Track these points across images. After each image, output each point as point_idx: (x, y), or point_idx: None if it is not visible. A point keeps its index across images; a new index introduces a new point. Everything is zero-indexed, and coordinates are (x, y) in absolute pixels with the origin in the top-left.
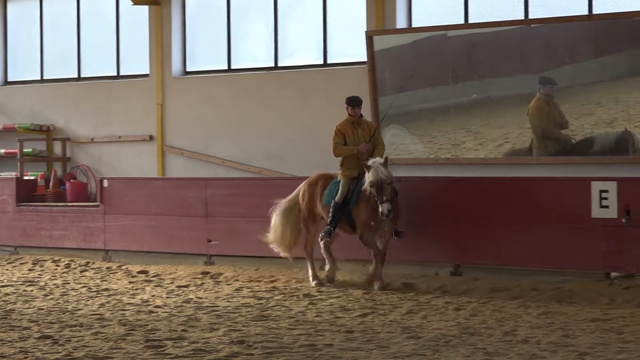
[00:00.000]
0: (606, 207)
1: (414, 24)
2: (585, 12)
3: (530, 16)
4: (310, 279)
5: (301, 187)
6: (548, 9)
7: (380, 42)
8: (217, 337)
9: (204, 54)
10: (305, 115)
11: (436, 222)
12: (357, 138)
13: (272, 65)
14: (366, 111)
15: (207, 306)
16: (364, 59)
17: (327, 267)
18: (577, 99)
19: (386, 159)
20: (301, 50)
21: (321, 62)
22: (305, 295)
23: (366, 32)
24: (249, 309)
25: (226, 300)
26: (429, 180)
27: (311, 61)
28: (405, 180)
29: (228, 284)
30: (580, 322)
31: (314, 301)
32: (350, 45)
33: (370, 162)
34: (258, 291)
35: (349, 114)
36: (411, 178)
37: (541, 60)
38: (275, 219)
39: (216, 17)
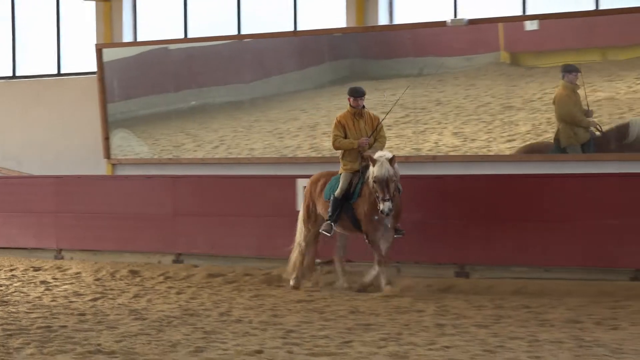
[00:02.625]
0: None
1: (139, 38)
2: (291, 28)
3: (243, 32)
4: (292, 276)
5: (306, 188)
6: (258, 25)
7: (109, 54)
8: None
9: None
10: (41, 119)
11: (157, 216)
12: (359, 130)
13: (11, 74)
14: (95, 116)
15: None
16: (95, 69)
17: (339, 281)
18: (284, 105)
19: (393, 156)
20: (37, 61)
21: (55, 71)
22: (42, 282)
23: (96, 45)
24: None
25: None
26: (153, 178)
27: (46, 71)
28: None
29: None
30: (288, 303)
31: (50, 287)
32: (81, 57)
33: (376, 156)
34: None
35: (350, 105)
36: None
37: (252, 71)
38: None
39: None
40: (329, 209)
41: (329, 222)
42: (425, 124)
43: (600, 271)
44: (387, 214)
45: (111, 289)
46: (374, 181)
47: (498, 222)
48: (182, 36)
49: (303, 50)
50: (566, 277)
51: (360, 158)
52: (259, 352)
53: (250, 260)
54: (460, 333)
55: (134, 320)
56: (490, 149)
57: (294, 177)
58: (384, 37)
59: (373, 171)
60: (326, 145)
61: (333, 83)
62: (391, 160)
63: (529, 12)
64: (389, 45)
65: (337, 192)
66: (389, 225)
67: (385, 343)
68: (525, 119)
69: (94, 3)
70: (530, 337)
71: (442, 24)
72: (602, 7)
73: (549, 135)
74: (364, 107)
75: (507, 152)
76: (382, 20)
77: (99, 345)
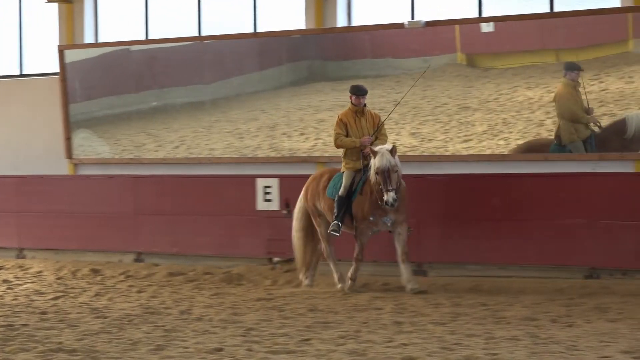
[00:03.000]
0: (269, 200)
1: (101, 40)
2: (251, 30)
3: (203, 33)
4: (335, 279)
5: (306, 184)
6: (219, 26)
7: (71, 56)
8: None
9: None
10: (3, 119)
11: (119, 215)
12: (360, 129)
13: None
14: (57, 116)
15: None
16: (57, 70)
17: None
18: (245, 106)
19: (394, 147)
20: (0, 61)
21: (18, 72)
22: (4, 281)
23: (58, 46)
24: None
25: None
26: (115, 178)
27: (9, 71)
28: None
29: None
30: (247, 301)
31: (12, 286)
32: (44, 58)
33: (377, 148)
34: None
35: (352, 103)
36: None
37: (212, 71)
38: (293, 228)
39: None
40: (335, 209)
41: (336, 222)
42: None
43: (554, 269)
44: (392, 205)
45: (72, 288)
46: (376, 172)
47: (454, 220)
48: (143, 37)
49: (263, 51)
50: (521, 275)
51: (362, 157)
52: (219, 349)
53: (211, 259)
54: (417, 330)
55: (95, 319)
56: (447, 149)
57: (254, 177)
58: (342, 39)
59: (374, 163)
60: (285, 145)
61: (292, 84)
62: (392, 151)
63: (484, 14)
64: (347, 46)
65: (341, 190)
66: (389, 223)
67: (343, 341)
68: (482, 119)
69: (56, 5)
70: (487, 334)
71: (400, 25)
72: (556, 9)
73: (504, 136)
74: (365, 105)
75: (464, 152)
76: (341, 22)
77: (60, 343)
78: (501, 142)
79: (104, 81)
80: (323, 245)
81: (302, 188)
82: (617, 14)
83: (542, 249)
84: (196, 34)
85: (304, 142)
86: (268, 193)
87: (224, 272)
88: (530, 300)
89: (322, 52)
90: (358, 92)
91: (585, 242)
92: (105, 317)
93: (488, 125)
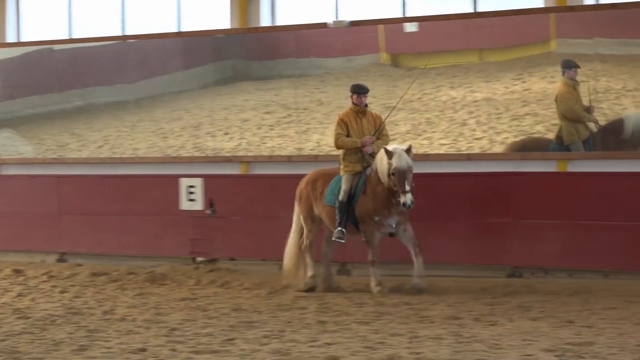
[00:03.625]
0: (193, 200)
1: (23, 39)
2: (175, 29)
3: (127, 32)
4: (305, 278)
5: (300, 186)
6: (142, 26)
7: None
8: None
9: None
10: None
11: (41, 215)
12: (362, 129)
13: None
14: None
15: None
16: None
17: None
18: (169, 105)
19: (410, 146)
20: None
21: None
22: None
23: None
24: None
25: None
26: (37, 178)
27: None
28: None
29: None
30: (171, 301)
31: None
32: None
33: (391, 148)
34: None
35: (353, 102)
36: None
37: (136, 71)
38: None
39: None
40: (337, 216)
41: (340, 229)
42: (307, 123)
43: (478, 268)
44: (410, 207)
45: None
46: (393, 173)
47: None
48: (66, 37)
49: (187, 51)
50: (444, 274)
51: (362, 159)
52: (143, 350)
53: (135, 258)
54: (341, 330)
55: (18, 319)
56: None
57: (177, 177)
58: (266, 38)
59: (391, 163)
60: (209, 145)
61: (217, 83)
62: (408, 151)
63: (408, 14)
64: (271, 46)
65: (341, 195)
66: (393, 225)
67: (267, 340)
68: (405, 119)
69: None
70: (411, 333)
71: (324, 25)
72: (479, 9)
73: (428, 135)
74: (366, 105)
75: None
76: (265, 21)
77: None
78: (425, 141)
79: (26, 80)
80: (306, 244)
81: (226, 187)
82: (540, 14)
83: (465, 248)
84: (120, 34)
85: (228, 141)
86: (192, 193)
87: (147, 272)
88: (453, 299)
89: (246, 51)
90: (359, 90)
91: (508, 241)
92: (28, 318)
93: (412, 125)
